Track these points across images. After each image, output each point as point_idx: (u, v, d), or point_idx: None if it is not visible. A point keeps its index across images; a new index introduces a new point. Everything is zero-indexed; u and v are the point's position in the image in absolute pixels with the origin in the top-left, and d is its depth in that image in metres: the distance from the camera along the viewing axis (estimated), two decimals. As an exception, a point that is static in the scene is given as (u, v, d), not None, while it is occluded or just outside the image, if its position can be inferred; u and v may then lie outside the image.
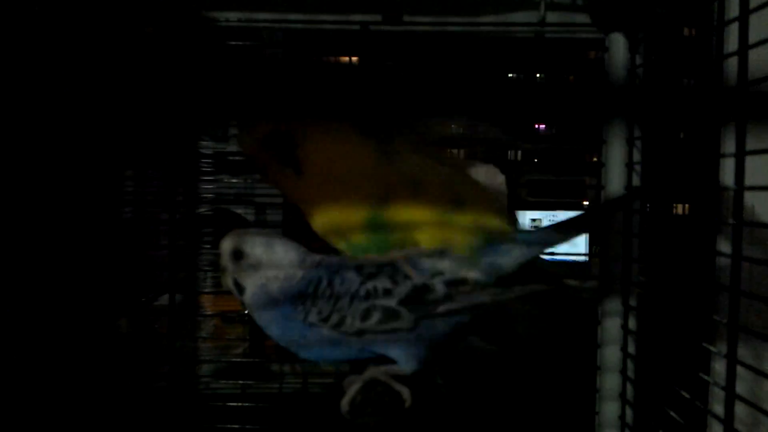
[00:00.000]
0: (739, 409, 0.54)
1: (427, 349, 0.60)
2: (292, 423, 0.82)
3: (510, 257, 0.59)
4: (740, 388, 0.54)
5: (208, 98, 0.86)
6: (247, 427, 0.79)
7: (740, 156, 0.53)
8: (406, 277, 0.58)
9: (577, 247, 0.93)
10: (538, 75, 1.08)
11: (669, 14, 0.74)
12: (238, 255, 0.60)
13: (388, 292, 0.57)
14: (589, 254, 0.95)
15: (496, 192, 0.62)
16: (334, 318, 0.57)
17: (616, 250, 0.78)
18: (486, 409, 0.86)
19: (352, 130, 0.61)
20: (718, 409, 0.56)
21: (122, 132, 0.79)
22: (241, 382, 0.89)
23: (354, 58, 0.87)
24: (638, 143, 0.77)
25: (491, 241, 0.59)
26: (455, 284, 0.58)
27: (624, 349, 0.78)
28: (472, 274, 0.59)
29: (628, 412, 0.78)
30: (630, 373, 0.77)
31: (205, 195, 0.94)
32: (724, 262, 0.56)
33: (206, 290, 0.93)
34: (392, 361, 0.60)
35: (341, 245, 0.62)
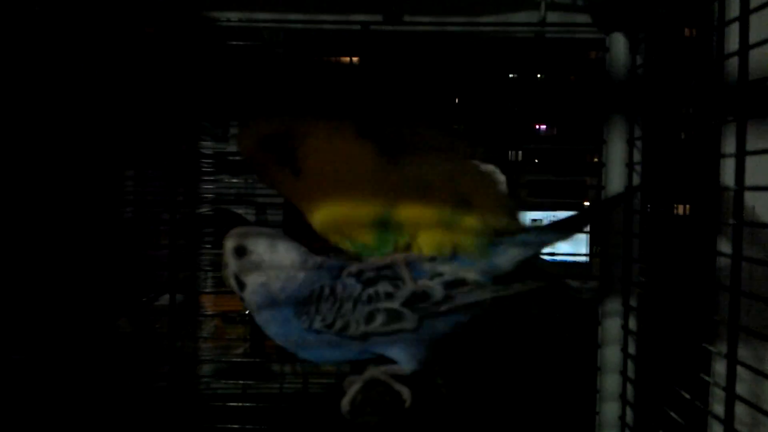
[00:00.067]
0: (740, 409, 0.53)
1: (427, 349, 0.60)
2: (293, 423, 0.82)
3: (507, 257, 0.59)
4: (740, 389, 0.54)
5: (209, 98, 0.86)
6: (248, 427, 0.79)
7: (741, 156, 0.53)
8: (405, 282, 0.58)
9: (578, 247, 0.93)
10: (538, 75, 1.08)
11: (670, 14, 0.74)
12: (240, 252, 0.60)
13: (389, 296, 0.58)
14: (590, 254, 0.95)
15: (498, 191, 0.62)
16: (339, 324, 0.58)
17: (616, 251, 0.78)
18: (486, 409, 0.86)
19: (351, 131, 0.61)
20: (719, 409, 0.56)
21: (123, 132, 0.79)
22: (241, 382, 0.89)
23: (355, 59, 0.87)
24: (639, 143, 0.77)
25: (491, 241, 0.59)
26: (454, 285, 0.58)
27: (624, 349, 0.78)
28: (471, 275, 0.59)
29: (629, 412, 0.78)
30: (630, 374, 0.77)
31: (205, 195, 0.94)
32: (724, 262, 0.56)
33: (207, 290, 0.93)
34: (392, 361, 0.60)
35: (344, 244, 0.62)
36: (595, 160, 0.83)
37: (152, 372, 0.84)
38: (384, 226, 0.59)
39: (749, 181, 0.53)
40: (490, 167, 0.63)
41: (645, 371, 0.76)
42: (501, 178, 0.63)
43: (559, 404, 0.86)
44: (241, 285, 0.61)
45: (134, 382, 0.79)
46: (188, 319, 0.88)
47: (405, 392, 0.60)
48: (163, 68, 0.81)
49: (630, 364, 0.77)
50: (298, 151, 0.60)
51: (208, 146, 0.94)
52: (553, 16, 0.79)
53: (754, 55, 0.52)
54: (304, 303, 0.58)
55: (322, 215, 0.61)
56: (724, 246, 0.57)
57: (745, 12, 0.53)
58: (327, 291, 0.58)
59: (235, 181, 0.91)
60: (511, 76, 1.09)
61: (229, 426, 0.80)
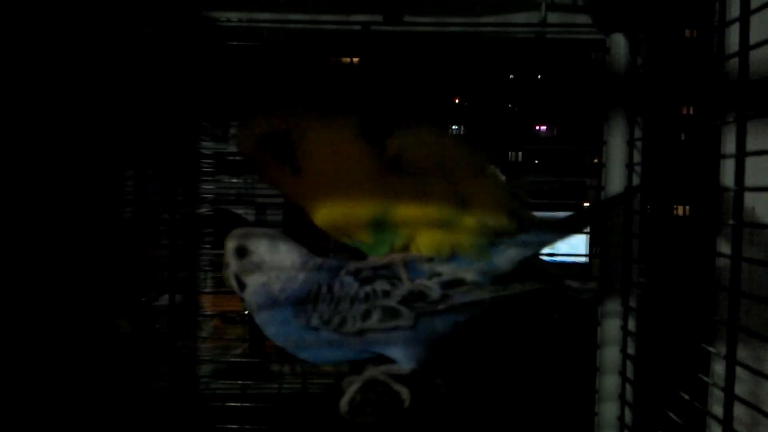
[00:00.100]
0: (739, 410, 0.53)
1: (425, 349, 0.60)
2: (292, 423, 0.82)
3: (506, 257, 0.60)
4: (739, 390, 0.54)
5: (209, 98, 0.86)
6: (247, 427, 0.79)
7: (740, 157, 0.53)
8: (402, 281, 0.58)
9: (578, 247, 0.93)
10: (538, 76, 1.08)
11: (670, 15, 0.74)
12: (242, 252, 0.61)
13: (386, 293, 0.58)
14: (590, 255, 0.95)
15: (497, 192, 0.62)
16: (336, 320, 0.58)
17: (616, 251, 0.78)
18: (485, 409, 0.86)
19: (351, 130, 0.61)
20: (718, 410, 0.56)
21: (123, 132, 0.79)
22: (240, 382, 0.89)
23: (355, 59, 0.87)
24: (638, 144, 0.77)
25: (490, 242, 0.59)
26: (452, 285, 0.59)
27: (623, 350, 0.78)
28: (470, 275, 0.59)
29: (628, 413, 0.78)
30: (629, 374, 0.77)
31: (205, 195, 0.93)
32: (724, 263, 0.56)
33: (206, 290, 0.93)
34: (391, 361, 0.60)
35: (346, 241, 0.63)
36: (595, 161, 0.83)
37: (151, 372, 0.83)
38: (381, 226, 0.60)
39: (749, 181, 0.53)
40: (489, 168, 0.63)
41: (644, 372, 0.76)
42: (501, 178, 0.64)
43: (558, 404, 0.86)
44: (242, 285, 0.61)
45: (133, 382, 0.79)
46: (187, 320, 0.88)
47: (404, 392, 0.60)
48: (163, 68, 0.81)
49: (629, 365, 0.77)
50: (297, 150, 0.60)
51: (207, 146, 0.94)
52: (553, 17, 0.79)
53: (755, 55, 0.52)
54: (303, 302, 0.59)
55: (321, 213, 0.61)
56: (724, 247, 0.57)
57: (746, 12, 0.53)
58: (325, 289, 0.59)
59: (235, 181, 0.91)
60: (511, 76, 1.09)
61: (228, 426, 0.80)
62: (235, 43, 0.82)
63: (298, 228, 0.66)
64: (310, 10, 0.80)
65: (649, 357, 0.75)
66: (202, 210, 0.94)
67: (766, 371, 0.54)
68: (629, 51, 0.77)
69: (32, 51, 0.62)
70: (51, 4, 0.65)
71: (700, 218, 0.81)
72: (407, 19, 0.80)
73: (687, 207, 0.99)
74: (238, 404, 0.83)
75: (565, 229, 0.61)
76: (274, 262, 0.60)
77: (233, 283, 0.61)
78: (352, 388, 0.61)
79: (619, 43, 0.78)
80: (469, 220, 0.59)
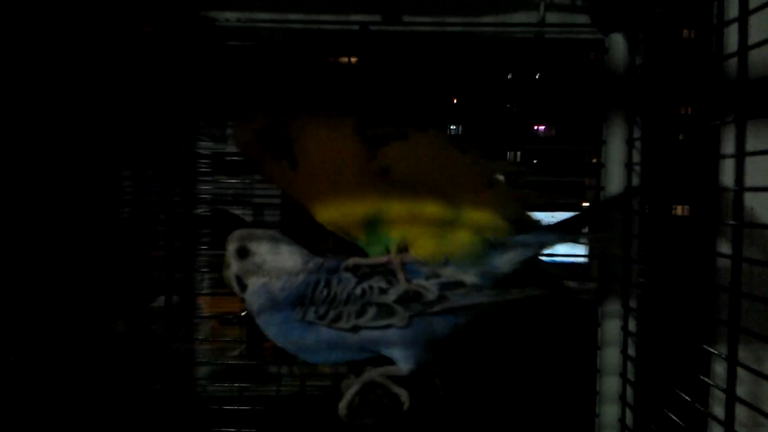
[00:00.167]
0: (740, 411, 0.53)
1: (424, 350, 0.59)
2: (290, 426, 0.81)
3: (506, 259, 0.59)
4: (741, 391, 0.53)
5: (207, 98, 0.86)
6: (244, 430, 0.79)
7: (740, 157, 0.53)
8: (399, 281, 0.58)
9: (577, 248, 0.93)
10: (537, 75, 1.08)
11: (669, 15, 0.74)
12: (243, 253, 0.61)
13: (383, 291, 0.58)
14: (589, 255, 0.95)
15: (493, 196, 0.61)
16: (331, 315, 0.58)
17: (615, 252, 0.78)
18: (486, 411, 0.85)
19: (347, 128, 0.61)
20: (719, 411, 0.56)
21: (120, 132, 0.78)
22: (238, 384, 0.89)
23: (353, 59, 0.87)
24: (638, 144, 0.77)
25: (489, 243, 0.59)
26: (450, 287, 0.58)
27: (624, 351, 0.78)
28: (469, 277, 0.59)
29: (628, 414, 0.77)
30: (630, 376, 0.77)
31: (202, 195, 0.93)
32: (724, 263, 0.56)
33: (203, 292, 0.92)
34: (390, 363, 0.60)
35: (345, 237, 0.62)
36: (594, 160, 0.83)
37: (148, 374, 0.83)
38: (374, 226, 0.60)
39: (749, 182, 0.53)
40: (492, 178, 0.62)
41: (645, 373, 0.75)
42: (498, 180, 0.63)
43: (559, 406, 0.86)
44: (243, 286, 0.61)
45: (130, 384, 0.78)
46: (184, 321, 0.88)
47: (403, 395, 0.60)
48: (162, 68, 0.80)
49: (630, 366, 0.77)
50: (295, 145, 0.60)
51: (205, 146, 0.94)
52: (552, 17, 0.79)
53: (754, 55, 0.52)
54: (300, 299, 0.59)
55: (317, 209, 0.61)
56: (724, 247, 0.57)
57: (744, 12, 0.53)
58: (322, 284, 0.59)
59: (232, 181, 0.90)
60: (509, 76, 1.09)
61: (226, 429, 0.79)
62: (233, 43, 0.82)
63: (296, 228, 0.66)
64: (308, 10, 0.79)
65: (649, 358, 0.75)
66: (200, 210, 0.93)
67: (767, 372, 0.53)
68: (628, 51, 0.77)
69: (29, 51, 0.62)
70: (50, 4, 0.64)
71: (700, 218, 0.80)
72: (406, 18, 0.80)
73: (687, 207, 0.99)
74: (236, 407, 0.83)
75: (565, 230, 0.61)
76: (275, 263, 0.60)
77: (234, 283, 0.61)
78: (350, 391, 0.61)
79: (617, 42, 0.77)
80: (463, 231, 0.58)
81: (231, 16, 0.80)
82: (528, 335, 0.88)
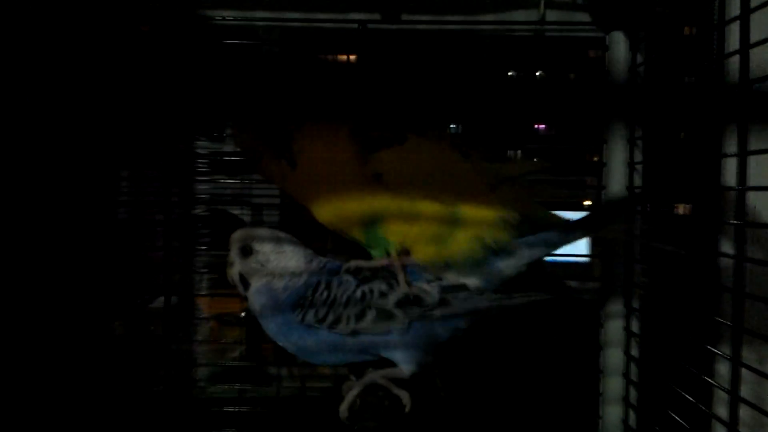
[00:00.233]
0: (743, 412, 0.53)
1: (426, 352, 0.59)
2: (290, 427, 0.81)
3: (510, 262, 0.59)
4: (744, 391, 0.53)
5: (205, 98, 0.86)
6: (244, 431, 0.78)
7: (742, 156, 0.52)
8: (399, 284, 0.58)
9: (579, 248, 0.92)
10: (537, 74, 1.07)
11: (670, 13, 0.74)
12: (246, 251, 0.61)
13: (383, 295, 0.58)
14: (591, 255, 0.94)
15: (492, 201, 0.61)
16: (330, 318, 0.58)
17: (617, 251, 0.77)
18: (488, 413, 0.85)
19: (344, 131, 0.61)
20: (722, 412, 0.56)
21: (118, 131, 0.78)
22: (237, 386, 0.88)
23: (352, 57, 0.86)
24: (639, 143, 0.76)
25: (492, 246, 0.59)
26: (452, 290, 0.58)
27: (627, 351, 0.77)
28: (471, 281, 0.58)
29: (631, 415, 0.77)
30: (633, 376, 0.77)
31: (200, 195, 0.92)
32: (726, 263, 0.56)
33: (202, 292, 0.92)
34: (392, 364, 0.59)
35: (346, 236, 0.62)
36: (595, 159, 0.82)
37: (147, 376, 0.82)
38: (372, 227, 0.59)
39: (751, 181, 0.53)
40: (491, 175, 0.62)
41: (647, 373, 0.75)
42: (503, 183, 0.62)
43: (562, 407, 0.86)
44: (245, 284, 0.61)
45: (129, 386, 0.78)
46: (183, 322, 0.87)
47: (405, 397, 0.59)
48: (159, 67, 0.80)
49: (632, 367, 0.77)
50: (294, 144, 0.60)
51: (203, 146, 0.93)
52: (552, 15, 0.79)
53: (755, 54, 0.52)
54: (301, 299, 0.58)
55: (315, 209, 0.61)
56: (727, 247, 0.56)
57: (746, 11, 0.52)
58: (323, 286, 0.58)
59: (231, 181, 0.90)
60: (510, 74, 1.09)
61: (225, 430, 0.79)
62: (231, 41, 0.81)
63: (295, 228, 0.65)
64: (306, 8, 0.79)
65: (652, 358, 0.74)
66: (198, 211, 0.93)
67: (771, 373, 0.53)
68: (629, 49, 0.76)
69: (25, 50, 0.61)
70: (48, 4, 0.64)
71: (703, 218, 0.80)
72: (405, 17, 0.80)
73: (689, 206, 0.98)
74: (235, 408, 0.82)
75: (575, 232, 0.61)
76: (278, 262, 0.60)
77: (237, 281, 0.61)
78: (351, 393, 0.60)
79: (618, 40, 0.77)
80: (463, 235, 0.58)
81: (228, 14, 0.79)
82: (530, 336, 0.87)
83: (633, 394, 0.77)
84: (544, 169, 0.63)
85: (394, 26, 0.79)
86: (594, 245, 0.92)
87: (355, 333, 0.58)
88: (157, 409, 0.81)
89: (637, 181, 0.76)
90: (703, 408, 0.60)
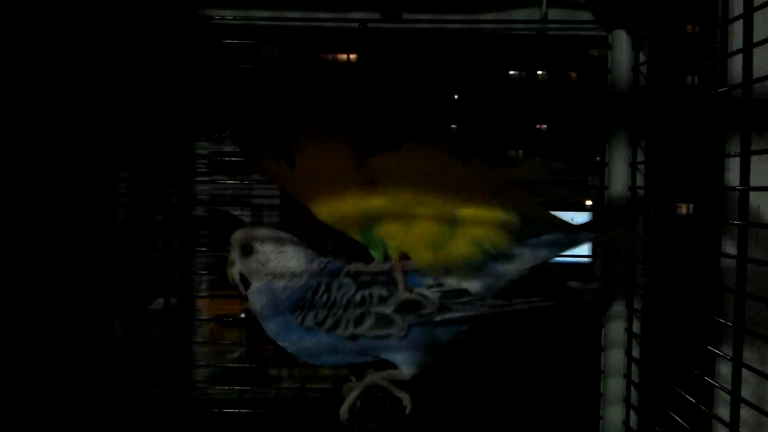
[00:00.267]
0: (744, 412, 0.53)
1: (427, 355, 0.59)
2: (290, 429, 0.81)
3: (512, 265, 0.58)
4: (745, 392, 0.53)
5: (205, 98, 0.85)
6: (244, 432, 0.78)
7: (745, 156, 0.52)
8: (398, 289, 0.58)
9: (580, 248, 0.92)
10: (539, 73, 1.07)
11: (672, 11, 0.73)
12: (247, 250, 0.61)
13: (383, 300, 0.57)
14: (592, 256, 0.94)
15: (492, 205, 0.60)
16: (329, 322, 0.58)
17: (619, 252, 0.77)
18: (489, 413, 0.85)
19: (342, 135, 0.60)
20: (723, 413, 0.56)
21: (117, 132, 0.78)
22: (237, 387, 0.88)
23: (352, 56, 0.86)
24: (642, 143, 0.76)
25: (491, 250, 0.58)
26: (453, 296, 0.58)
27: (628, 352, 0.77)
28: (472, 286, 0.58)
29: (633, 416, 0.77)
30: (634, 377, 0.76)
31: (200, 196, 0.92)
32: (729, 263, 0.55)
33: (202, 294, 0.91)
34: (392, 366, 0.59)
35: (347, 235, 0.62)
36: (598, 159, 0.82)
37: (147, 377, 0.82)
38: (369, 228, 0.59)
39: (754, 181, 0.52)
40: (493, 180, 0.61)
41: (649, 374, 0.75)
42: (506, 188, 0.61)
43: (563, 408, 0.85)
44: (246, 283, 0.61)
45: (129, 387, 0.78)
46: (183, 323, 0.87)
47: (405, 399, 0.59)
48: (159, 67, 0.80)
49: (634, 367, 0.76)
50: (293, 144, 0.60)
51: (203, 147, 0.93)
52: (554, 14, 0.78)
53: (759, 52, 0.51)
54: (300, 301, 0.58)
55: (315, 208, 0.61)
56: (729, 247, 0.56)
57: (749, 9, 0.52)
58: (323, 288, 0.58)
59: (230, 182, 0.89)
60: (511, 73, 1.08)
61: (226, 432, 0.79)
62: (231, 41, 0.81)
63: (295, 229, 0.65)
64: (306, 8, 0.79)
65: (653, 359, 0.74)
66: (197, 212, 0.93)
67: (773, 374, 0.53)
68: (632, 48, 0.76)
69: (26, 50, 0.61)
70: (48, 4, 0.64)
71: (705, 218, 0.80)
72: (406, 16, 0.79)
73: (691, 206, 0.98)
74: (235, 409, 0.82)
75: (584, 234, 0.60)
76: (279, 262, 0.60)
77: (237, 280, 0.61)
78: (352, 394, 0.60)
79: (621, 39, 0.76)
80: (462, 241, 0.58)
81: (228, 14, 0.79)
82: (531, 337, 0.87)
83: (634, 394, 0.77)
84: (552, 171, 0.62)
85: (395, 25, 0.79)
86: (595, 246, 0.91)
87: (354, 337, 0.57)
88: (157, 411, 0.81)
89: (640, 181, 0.76)
90: (705, 409, 0.59)
